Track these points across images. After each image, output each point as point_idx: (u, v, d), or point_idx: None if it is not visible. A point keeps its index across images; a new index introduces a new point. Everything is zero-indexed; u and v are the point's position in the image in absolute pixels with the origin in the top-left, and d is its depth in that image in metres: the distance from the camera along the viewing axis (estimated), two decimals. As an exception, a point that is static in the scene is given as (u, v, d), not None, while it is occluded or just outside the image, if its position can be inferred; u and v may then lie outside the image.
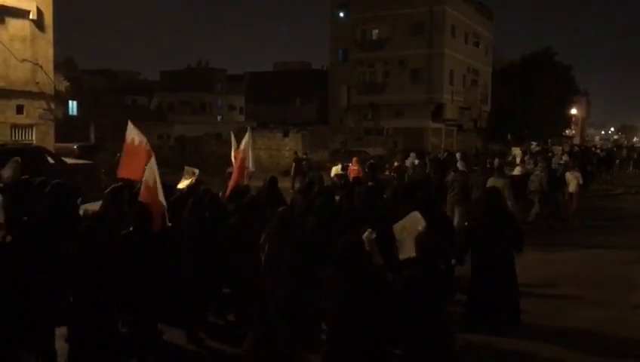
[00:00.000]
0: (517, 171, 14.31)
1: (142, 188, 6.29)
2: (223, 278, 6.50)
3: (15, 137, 17.23)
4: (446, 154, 25.44)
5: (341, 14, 44.82)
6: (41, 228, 5.20)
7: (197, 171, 8.73)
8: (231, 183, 8.49)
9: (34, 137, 17.77)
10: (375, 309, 4.27)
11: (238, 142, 9.30)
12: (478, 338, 6.15)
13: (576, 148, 36.97)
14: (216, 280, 6.44)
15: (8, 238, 5.02)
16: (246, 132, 9.65)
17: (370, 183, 9.17)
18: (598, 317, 7.16)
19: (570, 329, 6.72)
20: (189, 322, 6.25)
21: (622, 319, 7.15)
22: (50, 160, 14.25)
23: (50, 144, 17.74)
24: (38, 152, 14.56)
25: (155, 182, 6.17)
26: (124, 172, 7.45)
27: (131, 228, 5.50)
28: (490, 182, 10.81)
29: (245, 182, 8.77)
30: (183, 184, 8.28)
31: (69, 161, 15.59)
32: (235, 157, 9.14)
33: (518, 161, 20.84)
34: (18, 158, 8.22)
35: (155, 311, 5.60)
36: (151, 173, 6.23)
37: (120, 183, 7.44)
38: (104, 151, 22.09)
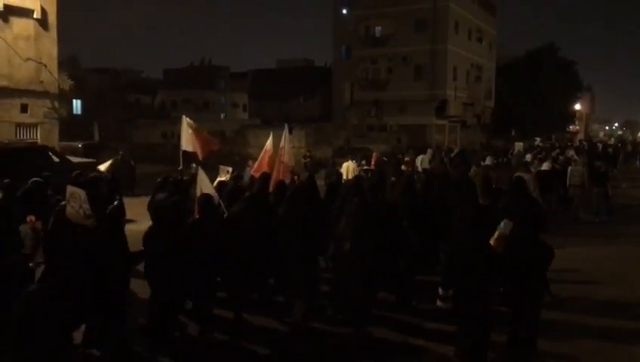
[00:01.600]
0: (545, 166, 14.79)
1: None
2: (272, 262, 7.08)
3: (20, 136, 17.31)
4: (457, 151, 25.53)
5: (344, 11, 44.76)
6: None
7: (230, 169, 10.25)
8: (275, 177, 9.21)
9: (38, 136, 17.85)
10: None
11: (274, 141, 10.37)
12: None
13: (584, 144, 36.73)
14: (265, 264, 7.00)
15: (93, 224, 5.84)
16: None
17: (392, 178, 9.66)
18: (601, 310, 7.22)
19: (573, 317, 6.80)
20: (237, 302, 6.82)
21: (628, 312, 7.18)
22: (55, 158, 14.32)
23: (54, 142, 17.82)
24: (43, 151, 14.63)
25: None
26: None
27: (197, 216, 6.34)
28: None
29: (282, 176, 9.49)
30: (220, 179, 9.68)
31: (74, 159, 15.66)
32: (266, 153, 10.19)
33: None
34: (121, 153, 10.70)
35: (213, 288, 6.39)
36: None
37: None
38: (108, 149, 22.16)
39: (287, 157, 9.83)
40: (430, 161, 18.18)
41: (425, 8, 38.90)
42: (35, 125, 17.85)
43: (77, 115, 38.98)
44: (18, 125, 17.38)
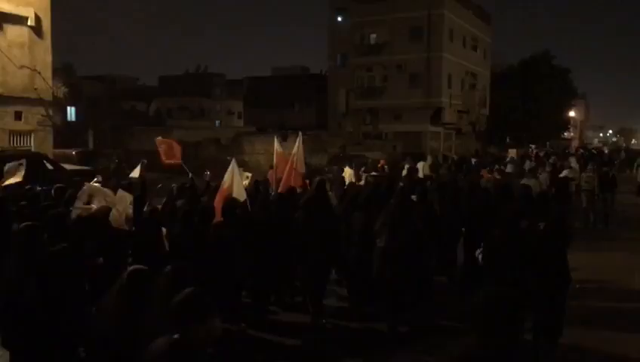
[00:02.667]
0: (564, 173, 15.37)
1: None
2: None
3: (13, 143, 17.22)
4: (457, 158, 25.70)
5: (339, 19, 44.85)
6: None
7: (250, 174, 10.77)
8: (285, 183, 9.46)
9: (32, 143, 17.76)
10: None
11: (284, 148, 10.73)
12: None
13: (581, 152, 36.85)
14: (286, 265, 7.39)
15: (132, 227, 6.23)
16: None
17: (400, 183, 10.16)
18: (600, 313, 7.21)
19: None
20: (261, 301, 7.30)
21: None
22: (49, 166, 14.24)
23: (48, 150, 17.72)
24: (37, 158, 14.54)
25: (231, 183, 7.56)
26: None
27: (221, 219, 6.64)
28: (524, 182, 12.07)
29: (294, 183, 9.66)
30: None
31: (68, 166, 15.58)
32: (279, 160, 10.35)
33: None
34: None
35: (240, 286, 6.70)
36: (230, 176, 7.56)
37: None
38: (103, 156, 22.04)
39: (299, 164, 10.09)
40: (430, 168, 18.24)
41: (420, 16, 39.01)
42: (29, 132, 17.76)
43: (72, 122, 38.82)
44: (12, 132, 17.29)
